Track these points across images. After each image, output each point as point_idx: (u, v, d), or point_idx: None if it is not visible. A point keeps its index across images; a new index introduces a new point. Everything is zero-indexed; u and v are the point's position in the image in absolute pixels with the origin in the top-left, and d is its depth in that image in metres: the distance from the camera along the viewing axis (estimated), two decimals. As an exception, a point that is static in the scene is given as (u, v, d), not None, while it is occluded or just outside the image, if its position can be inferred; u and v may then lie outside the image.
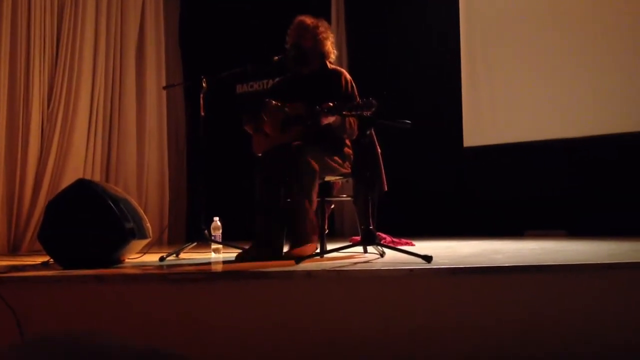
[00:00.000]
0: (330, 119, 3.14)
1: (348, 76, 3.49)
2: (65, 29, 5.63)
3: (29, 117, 5.29)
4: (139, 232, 3.13)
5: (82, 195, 3.05)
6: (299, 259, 2.78)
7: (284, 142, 3.27)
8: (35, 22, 5.34)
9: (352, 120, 3.28)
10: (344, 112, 3.02)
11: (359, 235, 3.34)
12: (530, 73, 5.60)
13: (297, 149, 3.16)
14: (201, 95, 3.70)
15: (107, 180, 5.94)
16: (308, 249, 3.06)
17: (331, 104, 3.05)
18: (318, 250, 3.16)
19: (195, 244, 3.67)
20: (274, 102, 3.36)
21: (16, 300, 2.43)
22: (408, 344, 2.30)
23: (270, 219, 3.17)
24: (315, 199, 3.18)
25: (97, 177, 5.76)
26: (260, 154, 3.42)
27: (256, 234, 3.19)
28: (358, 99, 3.41)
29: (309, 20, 3.50)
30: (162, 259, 3.37)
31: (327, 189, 3.49)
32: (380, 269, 2.44)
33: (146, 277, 2.62)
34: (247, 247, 3.26)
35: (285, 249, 3.16)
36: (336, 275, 2.42)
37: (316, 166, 3.17)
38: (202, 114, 3.70)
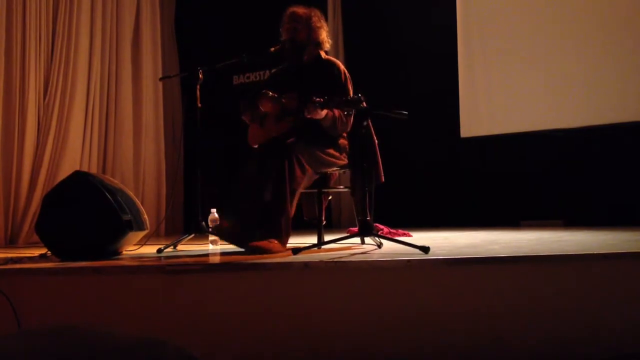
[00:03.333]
0: (321, 114, 3.12)
1: (342, 67, 3.49)
2: (61, 20, 5.60)
3: (25, 109, 5.27)
4: (136, 224, 3.13)
5: (79, 187, 3.05)
6: (296, 250, 2.79)
7: (279, 136, 3.26)
8: (30, 13, 5.31)
9: (343, 117, 3.27)
10: (333, 108, 3.02)
11: (356, 227, 3.34)
12: (527, 64, 5.60)
13: (291, 146, 3.15)
14: (197, 87, 3.69)
15: (103, 172, 5.94)
16: (274, 246, 2.93)
17: (320, 100, 3.02)
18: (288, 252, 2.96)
19: (192, 235, 3.67)
20: (270, 93, 3.35)
21: (14, 292, 2.43)
22: (406, 335, 2.31)
23: (253, 211, 3.10)
24: (296, 200, 3.13)
25: (93, 169, 5.75)
26: (255, 146, 3.41)
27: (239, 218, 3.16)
28: (351, 90, 3.41)
29: (301, 10, 3.47)
30: (159, 250, 3.37)
31: (324, 181, 3.49)
32: (377, 260, 2.45)
33: (144, 269, 2.62)
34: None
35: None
36: (334, 266, 2.42)
37: (308, 167, 3.15)
38: (199, 105, 3.69)
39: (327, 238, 3.26)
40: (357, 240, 3.34)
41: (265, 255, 2.80)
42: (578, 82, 5.35)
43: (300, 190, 3.17)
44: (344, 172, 3.61)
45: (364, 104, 2.83)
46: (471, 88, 5.90)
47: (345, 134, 3.46)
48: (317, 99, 3.00)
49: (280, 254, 2.86)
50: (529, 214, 5.44)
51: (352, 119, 3.29)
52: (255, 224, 3.07)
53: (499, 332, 2.29)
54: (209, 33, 6.95)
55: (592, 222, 4.83)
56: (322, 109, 3.08)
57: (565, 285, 2.33)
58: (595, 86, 5.26)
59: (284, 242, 3.03)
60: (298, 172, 3.11)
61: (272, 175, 3.08)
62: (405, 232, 4.25)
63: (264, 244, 2.92)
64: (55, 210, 3.04)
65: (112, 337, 0.99)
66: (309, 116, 3.10)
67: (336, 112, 3.22)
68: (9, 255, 3.47)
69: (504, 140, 5.70)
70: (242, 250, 3.10)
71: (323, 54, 3.52)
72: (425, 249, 2.59)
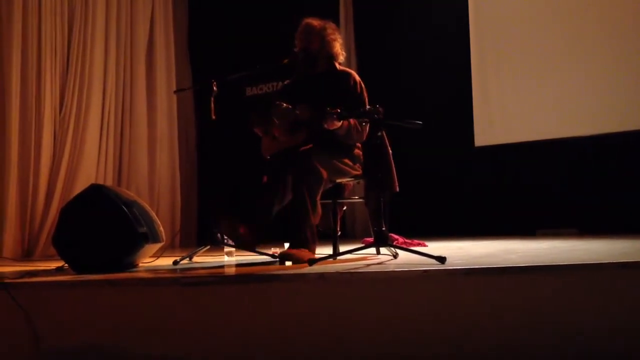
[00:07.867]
0: (337, 124, 3.13)
1: (357, 77, 3.49)
2: (76, 35, 5.67)
3: (41, 123, 5.32)
4: (152, 236, 3.14)
5: (96, 200, 3.07)
6: (312, 261, 2.78)
7: (293, 146, 3.27)
8: (45, 29, 5.38)
9: (358, 126, 3.28)
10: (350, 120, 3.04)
11: (371, 237, 3.34)
12: (540, 72, 5.59)
13: (305, 153, 3.16)
14: (212, 99, 3.70)
15: (119, 184, 5.97)
16: (305, 254, 3.00)
17: (338, 110, 3.03)
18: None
19: (208, 247, 3.67)
20: (284, 104, 3.36)
21: (31, 305, 2.45)
22: (422, 346, 2.29)
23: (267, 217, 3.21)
24: (319, 205, 3.17)
25: (109, 182, 5.79)
26: (268, 157, 3.42)
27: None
28: (367, 100, 3.41)
29: (315, 22, 3.50)
30: (175, 262, 3.37)
31: (338, 191, 3.48)
32: (393, 270, 2.44)
33: (160, 281, 2.62)
34: (259, 249, 3.33)
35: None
36: (349, 277, 2.41)
37: (324, 172, 3.16)
38: (213, 117, 3.70)
39: (342, 249, 3.25)
40: (373, 250, 3.33)
41: (282, 267, 2.81)
42: (592, 90, 5.32)
43: (319, 196, 3.18)
44: (358, 183, 3.61)
45: (381, 115, 2.82)
46: (485, 97, 5.89)
47: (359, 145, 3.46)
48: (334, 110, 3.01)
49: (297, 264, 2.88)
50: (544, 222, 5.40)
51: (367, 127, 3.29)
52: (264, 229, 3.18)
53: (518, 342, 2.27)
54: (221, 44, 6.98)
55: (607, 230, 4.79)
56: (339, 120, 3.09)
57: (585, 295, 2.30)
58: (609, 94, 5.24)
59: (312, 249, 3.12)
60: (314, 178, 3.12)
61: (290, 184, 3.10)
62: (421, 242, 4.24)
63: (295, 252, 3.01)
64: (72, 224, 3.06)
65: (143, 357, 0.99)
66: (326, 127, 3.11)
67: (352, 120, 3.23)
68: (26, 268, 3.49)
69: (518, 148, 5.68)
70: (263, 260, 3.12)
71: (337, 65, 3.52)
72: (441, 259, 2.58)
